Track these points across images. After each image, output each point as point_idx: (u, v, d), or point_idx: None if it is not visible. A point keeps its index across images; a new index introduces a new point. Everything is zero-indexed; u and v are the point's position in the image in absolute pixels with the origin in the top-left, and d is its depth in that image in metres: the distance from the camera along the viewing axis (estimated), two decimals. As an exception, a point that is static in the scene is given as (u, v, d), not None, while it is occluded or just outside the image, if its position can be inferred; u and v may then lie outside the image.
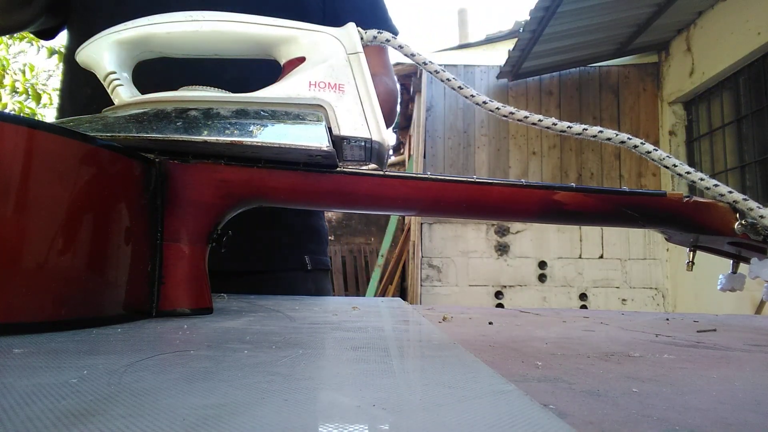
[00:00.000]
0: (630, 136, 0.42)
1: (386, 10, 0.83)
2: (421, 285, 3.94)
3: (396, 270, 4.66)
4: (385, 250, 4.89)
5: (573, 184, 0.43)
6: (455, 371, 0.22)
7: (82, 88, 0.72)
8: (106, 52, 0.43)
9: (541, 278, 3.97)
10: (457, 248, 3.98)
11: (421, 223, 3.99)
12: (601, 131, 0.42)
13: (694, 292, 3.61)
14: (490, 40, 4.47)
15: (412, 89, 5.00)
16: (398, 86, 0.84)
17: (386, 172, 0.42)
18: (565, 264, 3.96)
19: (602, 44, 3.80)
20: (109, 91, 0.43)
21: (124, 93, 0.42)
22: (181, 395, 0.17)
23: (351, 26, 0.42)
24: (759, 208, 0.40)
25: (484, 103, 0.43)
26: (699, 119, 3.76)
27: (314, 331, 0.34)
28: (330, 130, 0.40)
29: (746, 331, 0.48)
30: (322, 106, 0.40)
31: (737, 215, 0.42)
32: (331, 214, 5.58)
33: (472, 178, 0.42)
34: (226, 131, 0.38)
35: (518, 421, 0.15)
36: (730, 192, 0.41)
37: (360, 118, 0.40)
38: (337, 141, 0.40)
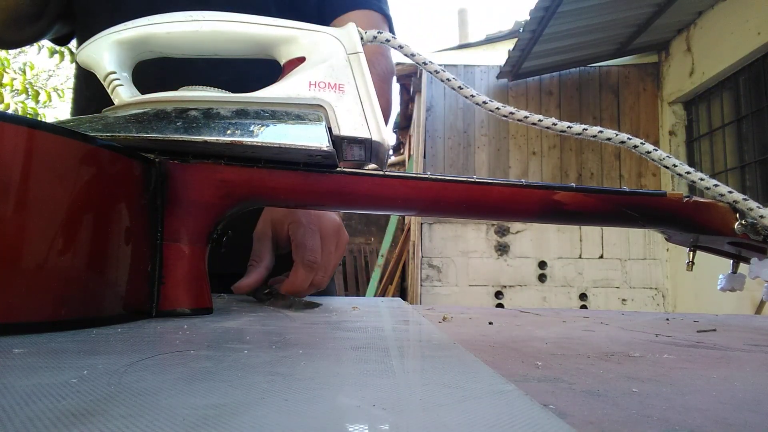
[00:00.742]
0: (630, 136, 0.42)
1: None
2: (421, 285, 3.95)
3: (396, 270, 4.66)
4: (385, 250, 4.89)
5: (573, 184, 0.43)
6: (455, 371, 0.22)
7: (84, 90, 0.72)
8: (106, 52, 0.43)
9: (541, 278, 3.97)
10: (457, 248, 3.98)
11: (421, 223, 4.00)
12: (601, 131, 0.42)
13: (694, 292, 3.61)
14: (490, 40, 4.47)
15: (412, 89, 5.00)
16: (394, 66, 0.83)
17: (386, 172, 0.42)
18: (565, 264, 3.97)
19: (602, 44, 3.80)
20: (109, 91, 0.43)
21: (124, 93, 0.42)
22: (181, 395, 0.17)
23: (351, 26, 0.42)
24: (759, 208, 0.40)
25: (484, 103, 0.43)
26: (699, 119, 3.76)
27: (314, 331, 0.34)
28: (330, 130, 0.40)
29: (746, 331, 0.48)
30: (322, 106, 0.40)
31: (737, 215, 0.42)
32: (331, 214, 5.57)
33: (472, 178, 0.42)
34: (227, 131, 0.38)
35: (518, 421, 0.15)
36: (730, 192, 0.41)
37: (360, 118, 0.40)
38: (337, 141, 0.40)
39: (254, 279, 0.54)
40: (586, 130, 0.42)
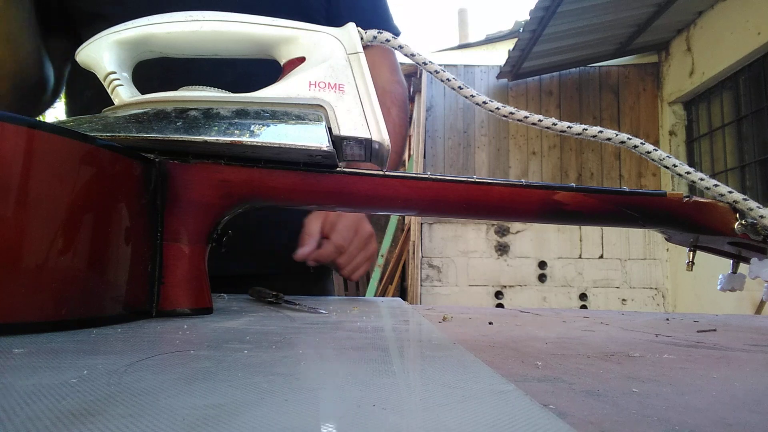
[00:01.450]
0: (630, 136, 0.42)
1: (388, 9, 0.83)
2: (421, 285, 3.94)
3: (396, 270, 4.66)
4: (385, 250, 4.89)
5: (573, 184, 0.43)
6: (455, 371, 0.22)
7: (83, 91, 0.72)
8: (106, 52, 0.43)
9: (541, 278, 3.97)
10: (457, 248, 3.98)
11: (421, 223, 4.00)
12: (601, 131, 0.42)
13: (694, 292, 3.61)
14: (490, 40, 4.47)
15: (412, 89, 5.00)
16: (405, 86, 0.85)
17: (386, 172, 0.42)
18: (565, 264, 3.97)
19: (602, 44, 3.80)
20: (109, 91, 0.43)
21: (124, 93, 0.42)
22: (181, 395, 0.17)
23: (351, 26, 0.42)
24: (759, 208, 0.40)
25: (484, 103, 0.43)
26: (699, 119, 3.76)
27: (314, 331, 0.34)
28: (330, 130, 0.40)
29: (746, 331, 0.48)
30: (322, 106, 0.40)
31: (737, 215, 0.42)
32: (331, 214, 5.57)
33: (472, 178, 0.42)
34: (227, 131, 0.38)
35: (518, 421, 0.15)
36: (730, 192, 0.41)
37: (360, 118, 0.40)
38: (337, 141, 0.40)
39: (309, 248, 0.64)
40: (586, 130, 0.42)
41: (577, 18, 3.26)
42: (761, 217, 0.40)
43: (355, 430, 0.14)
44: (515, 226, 3.98)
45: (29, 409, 0.15)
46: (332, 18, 0.77)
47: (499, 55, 4.13)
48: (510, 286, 3.96)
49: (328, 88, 0.40)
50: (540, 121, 0.42)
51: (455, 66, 4.18)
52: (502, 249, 3.98)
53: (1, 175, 0.27)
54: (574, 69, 4.13)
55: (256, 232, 0.70)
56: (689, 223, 0.44)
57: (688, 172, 0.42)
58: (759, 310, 2.92)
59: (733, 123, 3.37)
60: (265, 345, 0.27)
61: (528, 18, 3.25)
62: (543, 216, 0.43)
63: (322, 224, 0.67)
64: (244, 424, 0.14)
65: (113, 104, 0.42)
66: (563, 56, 3.84)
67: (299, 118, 0.39)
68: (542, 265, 3.98)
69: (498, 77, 4.10)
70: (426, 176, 0.42)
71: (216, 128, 0.38)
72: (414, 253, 4.16)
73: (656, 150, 0.42)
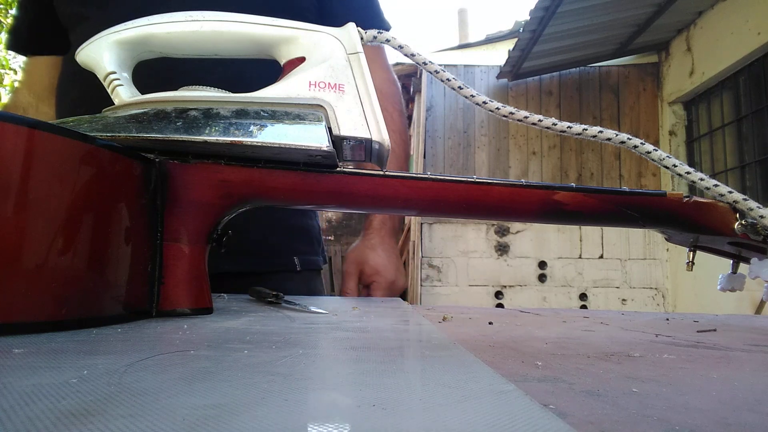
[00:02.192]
0: (630, 136, 0.42)
1: (379, 6, 0.84)
2: (421, 285, 3.94)
3: (396, 270, 4.65)
4: (385, 250, 4.88)
5: (573, 184, 0.43)
6: (455, 371, 0.22)
7: (69, 92, 0.73)
8: (106, 52, 0.43)
9: (541, 278, 3.97)
10: (457, 248, 3.98)
11: (421, 223, 3.99)
12: (601, 131, 0.42)
13: (694, 292, 3.61)
14: (490, 40, 4.47)
15: (412, 89, 4.99)
16: (398, 84, 0.87)
17: (386, 172, 0.42)
18: (565, 264, 3.96)
19: (602, 44, 3.80)
20: (109, 91, 0.43)
21: (124, 93, 0.42)
22: (181, 395, 0.17)
23: (351, 26, 0.42)
24: (759, 208, 0.40)
25: (484, 103, 0.43)
26: (699, 119, 3.76)
27: (314, 331, 0.34)
28: (330, 130, 0.40)
29: (746, 331, 0.48)
30: (322, 106, 0.40)
31: (737, 215, 0.42)
32: (331, 214, 5.57)
33: (472, 178, 0.42)
34: (227, 131, 0.38)
35: (518, 421, 0.15)
36: (730, 192, 0.41)
37: (360, 118, 0.40)
38: (337, 141, 0.40)
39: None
40: (586, 130, 0.42)
41: (577, 18, 3.26)
42: (761, 217, 0.40)
43: (355, 430, 0.14)
44: (515, 226, 3.98)
45: (29, 409, 0.15)
46: (324, 14, 0.77)
47: (499, 55, 4.13)
48: (510, 286, 3.96)
49: (328, 88, 0.40)
50: (540, 121, 0.42)
51: (455, 66, 4.18)
52: (502, 249, 3.98)
53: (1, 175, 0.27)
54: (574, 69, 4.13)
55: (243, 230, 0.70)
56: (689, 223, 0.44)
57: (688, 172, 0.42)
58: (759, 310, 2.92)
59: (733, 123, 3.37)
60: (265, 345, 0.27)
61: (528, 18, 3.25)
62: (543, 216, 0.43)
63: (359, 276, 0.77)
64: (244, 424, 0.14)
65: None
66: (563, 56, 3.84)
67: (299, 118, 0.39)
68: (542, 265, 3.98)
69: (498, 77, 4.10)
70: (426, 176, 0.42)
71: (216, 128, 0.38)
72: (414, 253, 4.15)
73: (656, 150, 0.42)
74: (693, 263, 0.49)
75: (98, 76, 0.43)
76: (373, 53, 0.82)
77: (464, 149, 4.10)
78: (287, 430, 0.14)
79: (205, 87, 0.41)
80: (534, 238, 3.98)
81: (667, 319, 0.56)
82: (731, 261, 0.49)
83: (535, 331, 0.44)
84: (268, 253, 0.75)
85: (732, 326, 0.51)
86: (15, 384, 0.18)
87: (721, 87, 3.46)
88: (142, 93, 0.42)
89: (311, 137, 0.38)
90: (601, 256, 3.97)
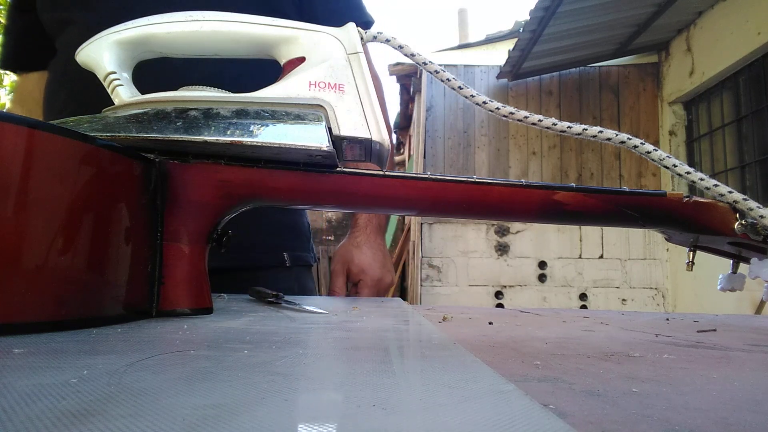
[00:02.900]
0: (630, 136, 0.42)
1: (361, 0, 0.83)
2: (421, 285, 3.94)
3: (396, 270, 4.66)
4: (385, 250, 4.88)
5: (573, 184, 0.43)
6: (455, 371, 0.22)
7: (58, 93, 0.73)
8: (106, 52, 0.43)
9: (541, 278, 3.97)
10: (457, 248, 3.98)
11: (421, 223, 3.99)
12: (601, 131, 0.42)
13: (694, 292, 3.61)
14: (490, 40, 4.46)
15: (412, 89, 4.99)
16: (380, 78, 0.88)
17: (386, 172, 0.42)
18: (565, 264, 3.96)
19: (602, 44, 3.80)
20: (109, 91, 0.43)
21: (124, 93, 0.42)
22: (181, 395, 0.17)
23: (351, 26, 0.42)
24: (759, 208, 0.40)
25: (484, 103, 0.43)
26: (699, 119, 3.76)
27: (314, 331, 0.34)
28: (330, 130, 0.40)
29: (746, 331, 0.48)
30: (322, 106, 0.40)
31: (737, 215, 0.42)
32: (331, 214, 5.57)
33: (472, 178, 0.42)
34: (226, 131, 0.38)
35: (518, 421, 0.15)
36: (730, 192, 0.41)
37: (360, 118, 0.40)
38: (337, 141, 0.40)
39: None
40: (586, 130, 0.42)
41: (577, 18, 3.26)
42: (761, 217, 0.40)
43: (355, 430, 0.14)
44: (515, 226, 3.98)
45: (29, 409, 0.15)
46: (304, 9, 0.77)
47: (499, 55, 4.13)
48: (510, 286, 3.96)
49: (328, 88, 0.40)
50: (540, 121, 0.42)
51: (455, 66, 4.18)
52: (502, 249, 3.98)
53: (1, 175, 0.27)
54: (574, 69, 4.13)
55: (231, 227, 0.70)
56: (689, 223, 0.44)
57: (688, 172, 0.42)
58: (759, 310, 2.92)
59: (733, 123, 3.37)
60: (265, 345, 0.27)
61: (528, 18, 3.25)
62: (543, 216, 0.43)
63: (347, 275, 0.78)
64: (244, 424, 0.14)
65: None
66: (563, 56, 3.84)
67: (299, 118, 0.39)
68: (542, 265, 3.98)
69: (498, 77, 4.10)
70: (426, 176, 0.42)
71: (216, 128, 0.38)
72: (414, 253, 4.15)
73: (656, 150, 0.42)
74: (693, 263, 0.49)
75: (98, 76, 0.43)
76: None
77: (464, 149, 4.10)
78: (287, 430, 0.14)
79: (205, 87, 0.41)
80: (534, 238, 3.98)
81: (667, 319, 0.56)
82: (731, 261, 0.49)
83: (535, 331, 0.44)
84: (258, 249, 0.75)
85: (732, 326, 0.51)
86: (15, 384, 0.18)
87: (721, 87, 3.46)
88: (142, 93, 0.42)
89: (311, 137, 0.38)
90: (601, 256, 3.97)
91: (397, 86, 5.29)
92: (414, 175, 0.42)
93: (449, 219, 3.68)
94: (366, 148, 0.41)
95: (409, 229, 4.47)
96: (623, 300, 3.94)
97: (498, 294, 3.97)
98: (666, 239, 0.50)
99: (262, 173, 0.41)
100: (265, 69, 0.47)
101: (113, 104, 0.42)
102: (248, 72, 0.64)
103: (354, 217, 0.83)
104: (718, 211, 0.43)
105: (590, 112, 4.07)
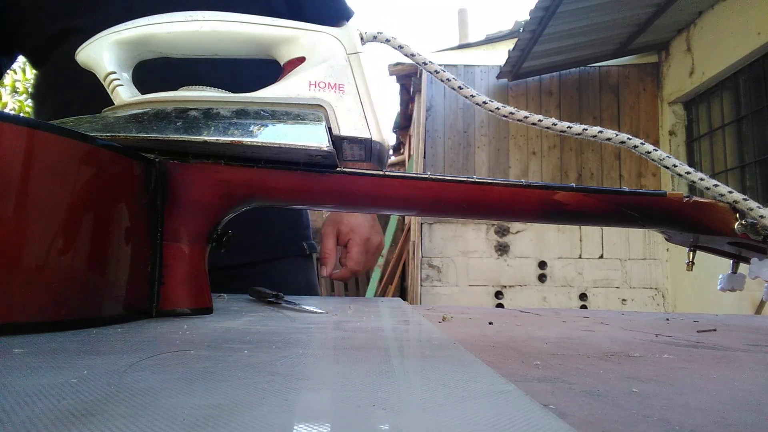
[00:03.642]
0: (630, 136, 0.42)
1: None
2: (421, 285, 3.94)
3: (396, 270, 4.66)
4: (385, 250, 4.89)
5: (573, 184, 0.43)
6: (455, 371, 0.22)
7: (49, 96, 0.73)
8: (106, 52, 0.42)
9: (541, 278, 3.97)
10: (457, 248, 3.98)
11: (421, 223, 3.99)
12: (601, 131, 0.42)
13: (694, 292, 3.61)
14: (490, 40, 4.46)
15: (412, 89, 4.99)
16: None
17: (386, 172, 0.42)
18: (565, 264, 3.96)
19: (602, 44, 3.80)
20: (109, 91, 0.43)
21: (124, 93, 0.42)
22: (181, 395, 0.17)
23: (351, 26, 0.42)
24: (759, 208, 0.40)
25: (484, 103, 0.43)
26: (699, 119, 3.76)
27: (314, 331, 0.34)
28: (330, 130, 0.40)
29: (746, 331, 0.48)
30: (322, 106, 0.40)
31: (737, 215, 0.42)
32: (331, 214, 5.56)
33: (472, 178, 0.42)
34: (227, 131, 0.38)
35: (518, 421, 0.15)
36: (730, 192, 0.41)
37: (360, 118, 0.40)
38: (337, 141, 0.40)
39: (330, 268, 0.76)
40: (586, 130, 0.42)
41: (577, 18, 3.26)
42: (761, 217, 0.40)
43: (355, 430, 0.14)
44: (515, 226, 3.98)
45: (29, 409, 0.15)
46: (291, 4, 0.78)
47: (499, 55, 4.13)
48: (510, 286, 3.96)
49: (328, 88, 0.40)
50: (540, 121, 0.42)
51: (455, 66, 4.18)
52: (502, 249, 3.98)
53: (1, 175, 0.27)
54: (574, 69, 4.13)
55: (253, 223, 0.71)
56: (689, 223, 0.44)
57: (688, 172, 0.42)
58: (759, 310, 2.92)
59: (733, 123, 3.37)
60: (265, 345, 0.27)
61: (528, 18, 3.25)
62: (543, 216, 0.43)
63: (336, 236, 0.79)
64: (244, 424, 0.14)
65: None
66: (563, 56, 3.84)
67: (299, 118, 0.39)
68: (542, 265, 3.98)
69: (498, 77, 4.10)
70: (426, 176, 0.42)
71: (216, 128, 0.38)
72: (414, 253, 4.15)
73: (656, 150, 0.42)
74: (693, 263, 0.49)
75: (98, 76, 0.43)
76: None
77: (464, 149, 4.10)
78: (287, 430, 0.14)
79: (205, 87, 0.41)
80: (534, 238, 3.98)
81: (667, 319, 0.56)
82: (731, 261, 0.49)
83: (535, 331, 0.44)
84: (279, 240, 0.77)
85: (732, 326, 0.51)
86: (15, 384, 0.18)
87: (721, 87, 3.46)
88: (142, 93, 0.42)
89: (311, 137, 0.38)
90: (601, 256, 3.97)
91: (397, 86, 5.29)
92: (414, 175, 0.42)
93: (449, 219, 3.68)
94: (366, 148, 0.41)
95: (409, 229, 4.46)
96: (623, 300, 3.94)
97: (498, 294, 3.97)
98: (666, 239, 0.50)
99: (262, 173, 0.41)
100: (270, 69, 0.47)
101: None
102: (248, 72, 0.65)
103: None
104: (718, 211, 0.43)
105: (590, 112, 4.07)
